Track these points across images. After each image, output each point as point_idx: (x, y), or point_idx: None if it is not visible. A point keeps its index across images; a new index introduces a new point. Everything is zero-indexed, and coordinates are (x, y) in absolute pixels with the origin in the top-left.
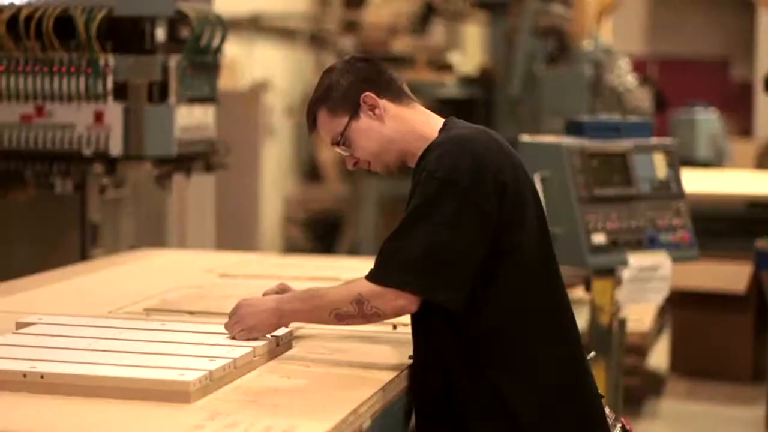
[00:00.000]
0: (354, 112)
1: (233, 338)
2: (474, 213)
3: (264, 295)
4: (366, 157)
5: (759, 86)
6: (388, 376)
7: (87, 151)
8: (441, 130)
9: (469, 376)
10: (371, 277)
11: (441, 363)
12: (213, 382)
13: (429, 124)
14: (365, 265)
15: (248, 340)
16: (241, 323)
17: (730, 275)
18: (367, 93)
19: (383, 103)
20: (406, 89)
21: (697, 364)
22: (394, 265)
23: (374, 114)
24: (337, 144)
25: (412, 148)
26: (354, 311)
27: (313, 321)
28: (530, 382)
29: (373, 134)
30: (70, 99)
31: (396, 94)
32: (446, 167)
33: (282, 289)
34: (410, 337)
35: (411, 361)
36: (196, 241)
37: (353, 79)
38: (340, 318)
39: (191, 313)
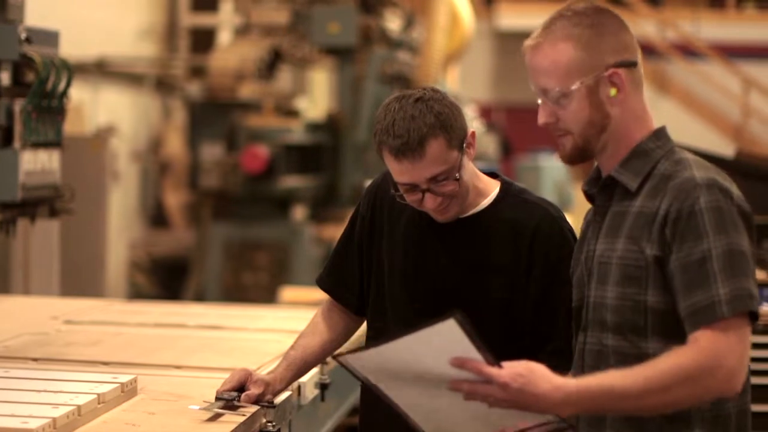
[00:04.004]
0: (461, 148)
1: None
2: None
3: (227, 383)
4: (456, 197)
5: None
6: (236, 420)
7: None
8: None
9: None
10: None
11: None
12: (57, 429)
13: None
14: (211, 311)
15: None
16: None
17: None
18: (473, 130)
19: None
20: None
21: None
22: None
23: (470, 154)
24: (435, 180)
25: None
26: None
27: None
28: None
29: (468, 175)
30: None
31: None
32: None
33: (245, 377)
34: None
35: (257, 407)
36: (40, 287)
37: (460, 113)
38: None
39: (35, 359)
